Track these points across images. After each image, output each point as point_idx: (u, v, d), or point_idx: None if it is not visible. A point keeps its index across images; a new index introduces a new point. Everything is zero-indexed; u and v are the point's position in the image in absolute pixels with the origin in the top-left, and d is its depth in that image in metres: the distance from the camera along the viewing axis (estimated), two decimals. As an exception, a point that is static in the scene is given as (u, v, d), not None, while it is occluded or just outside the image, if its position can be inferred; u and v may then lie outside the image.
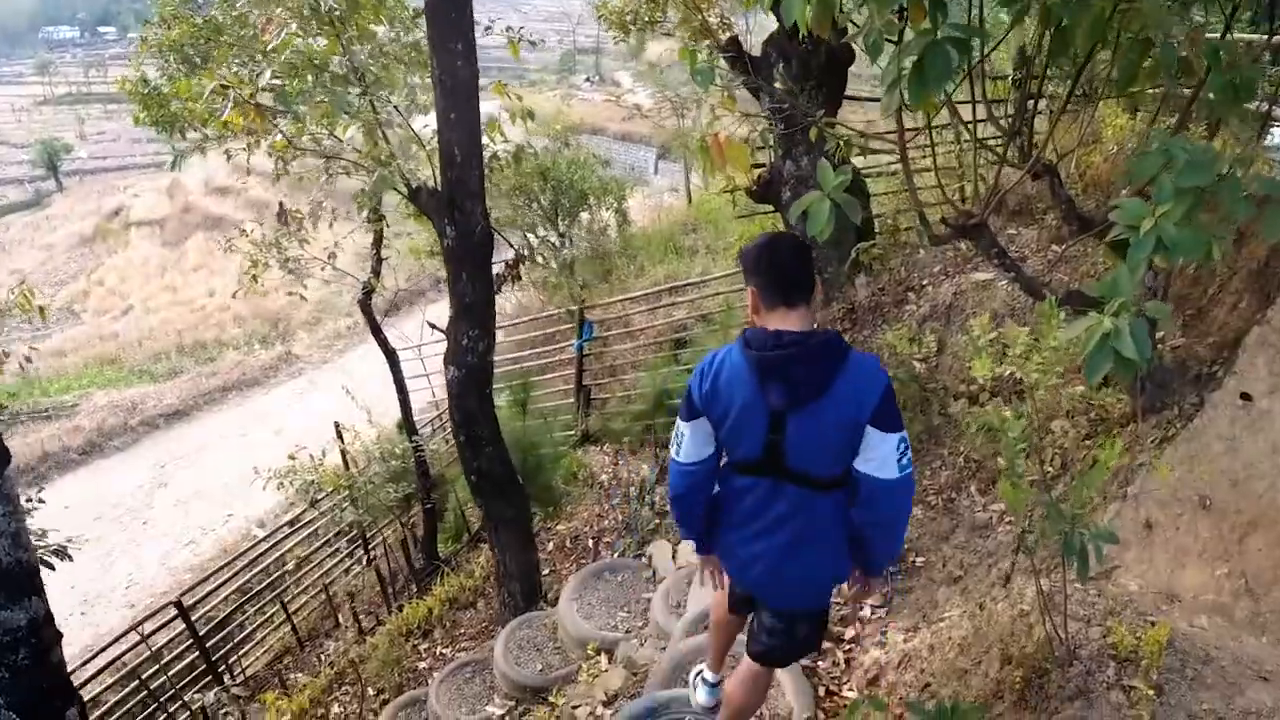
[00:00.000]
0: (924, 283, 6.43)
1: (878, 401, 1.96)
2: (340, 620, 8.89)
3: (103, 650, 7.22)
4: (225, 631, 9.02)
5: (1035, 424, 2.33)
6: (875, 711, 2.44)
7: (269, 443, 13.03)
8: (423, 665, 6.56)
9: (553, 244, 8.96)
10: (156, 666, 7.76)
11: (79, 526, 13.25)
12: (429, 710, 4.63)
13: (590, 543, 7.16)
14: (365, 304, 7.36)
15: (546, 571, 7.35)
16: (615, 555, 5.89)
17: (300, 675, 8.30)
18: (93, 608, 11.28)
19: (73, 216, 33.66)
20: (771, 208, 7.11)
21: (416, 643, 6.92)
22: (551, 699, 4.36)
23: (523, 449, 6.40)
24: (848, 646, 3.79)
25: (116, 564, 12.12)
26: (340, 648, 7.77)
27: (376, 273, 7.39)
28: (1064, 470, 4.05)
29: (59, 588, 11.94)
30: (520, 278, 5.43)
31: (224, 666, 8.31)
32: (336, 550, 9.50)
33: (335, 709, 6.35)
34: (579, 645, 4.44)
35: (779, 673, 3.28)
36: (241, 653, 8.90)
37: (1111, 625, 2.49)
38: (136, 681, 7.61)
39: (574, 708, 3.53)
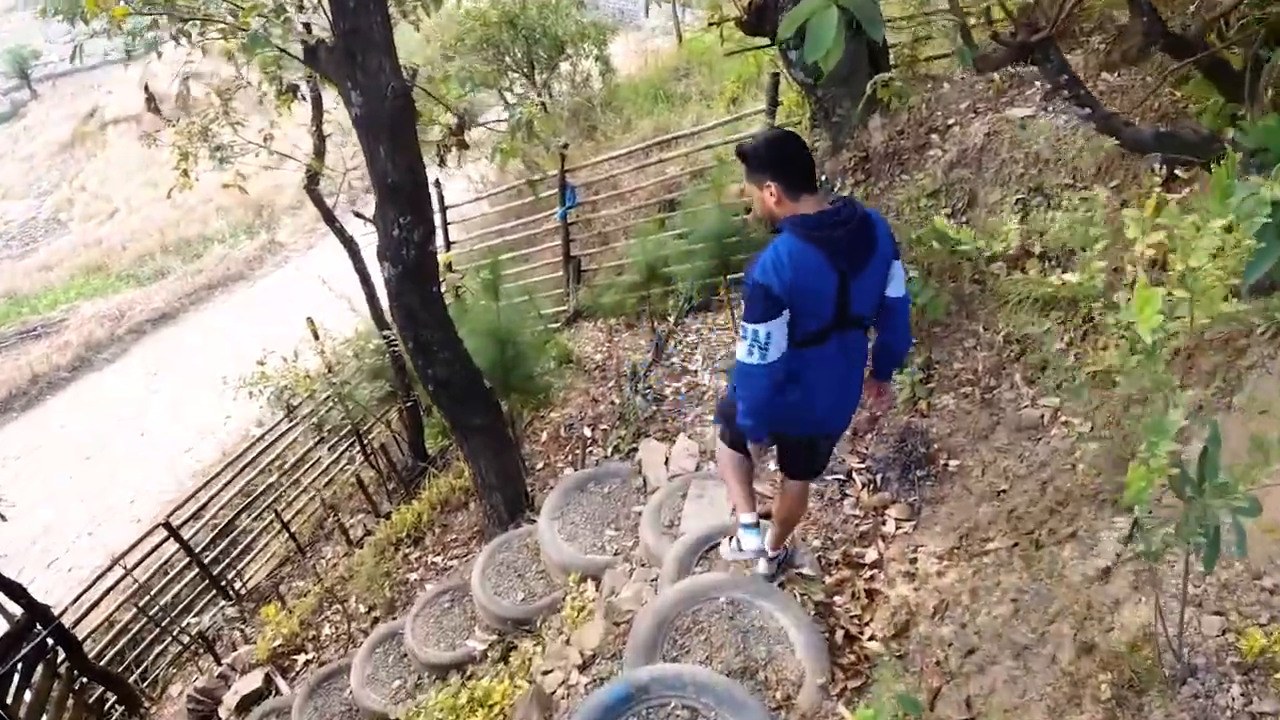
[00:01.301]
0: (949, 123, 5.44)
1: (893, 241, 2.36)
2: (341, 522, 8.61)
3: (89, 588, 6.96)
4: (229, 540, 8.77)
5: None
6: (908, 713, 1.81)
7: (258, 338, 12.50)
8: (414, 576, 6.17)
9: (530, 101, 7.90)
10: (149, 595, 7.53)
11: (76, 445, 13.15)
12: (406, 646, 4.18)
13: (587, 431, 6.62)
14: (312, 190, 6.48)
15: (540, 465, 6.84)
16: (607, 454, 5.29)
17: (301, 583, 8.10)
18: (100, 526, 11.10)
19: (49, 123, 32.08)
20: (766, 41, 6.03)
21: (407, 551, 6.51)
22: (535, 631, 3.90)
23: (499, 338, 5.70)
24: (869, 573, 3.18)
25: (119, 479, 11.87)
26: (332, 559, 7.43)
27: (319, 154, 6.46)
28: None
29: (64, 510, 11.85)
30: (467, 146, 4.53)
31: (226, 580, 8.09)
32: (327, 452, 9.07)
33: (326, 629, 6.05)
34: (562, 571, 3.90)
35: (787, 625, 2.70)
36: (243, 564, 8.68)
37: (1233, 618, 1.78)
38: (135, 610, 7.40)
39: (545, 673, 2.98)
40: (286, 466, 8.66)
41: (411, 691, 4.04)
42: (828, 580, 3.13)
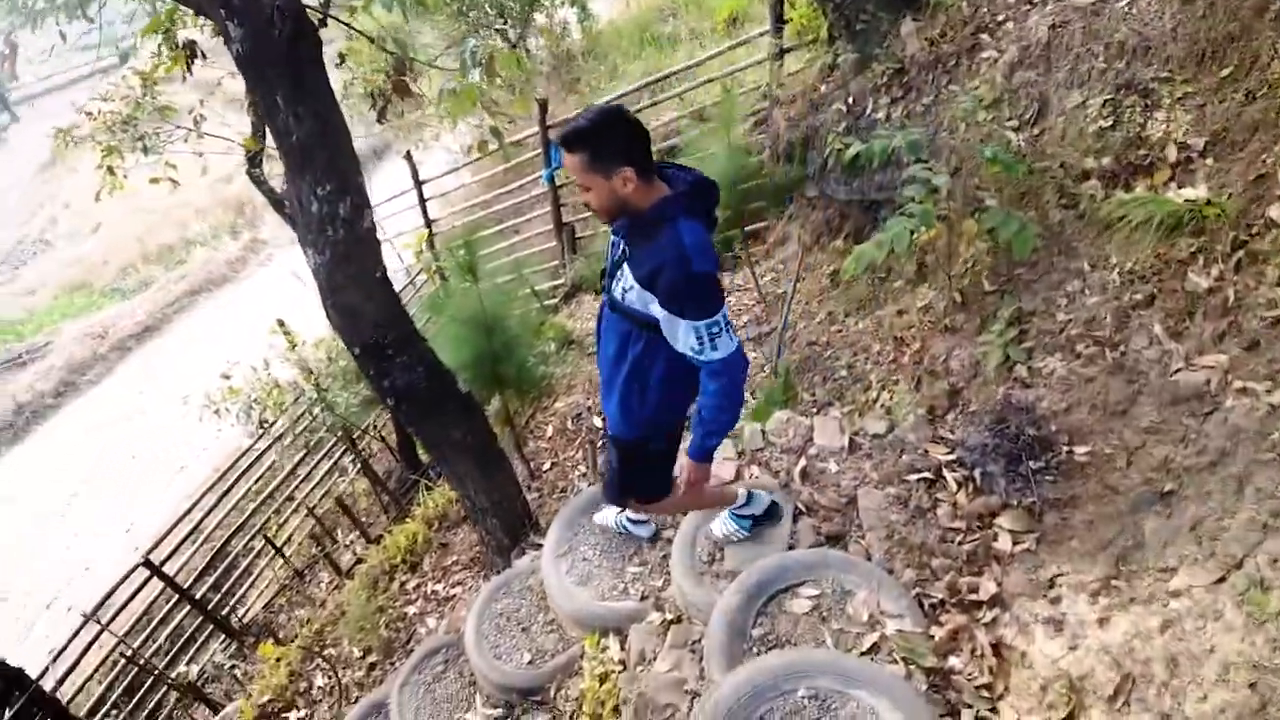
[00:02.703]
0: (1000, 19, 4.48)
1: None
2: (336, 538, 7.86)
3: (68, 643, 6.23)
4: (221, 570, 8.04)
5: None
6: None
7: (242, 344, 11.73)
8: (412, 610, 5.36)
9: (490, 40, 6.96)
10: (140, 640, 6.82)
11: (65, 477, 12.43)
12: (391, 726, 3.37)
13: (597, 420, 5.78)
14: (254, 174, 5.58)
15: (548, 465, 6.01)
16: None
17: (301, 613, 7.35)
18: (96, 560, 10.38)
19: (30, 144, 31.28)
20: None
21: (403, 579, 5.70)
22: (549, 702, 3.06)
23: (484, 324, 4.83)
24: (989, 615, 2.31)
25: (111, 509, 11.15)
26: (323, 594, 6.65)
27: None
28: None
29: (54, 555, 11.11)
30: (408, 92, 3.62)
31: (221, 615, 7.36)
32: (317, 466, 8.27)
33: (319, 680, 5.27)
34: (575, 625, 3.06)
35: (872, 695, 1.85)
36: (239, 595, 7.94)
37: None
38: (124, 660, 6.68)
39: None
40: (273, 486, 7.89)
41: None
42: (935, 633, 2.26)
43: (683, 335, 2.00)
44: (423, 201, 8.18)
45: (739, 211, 5.10)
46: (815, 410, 3.84)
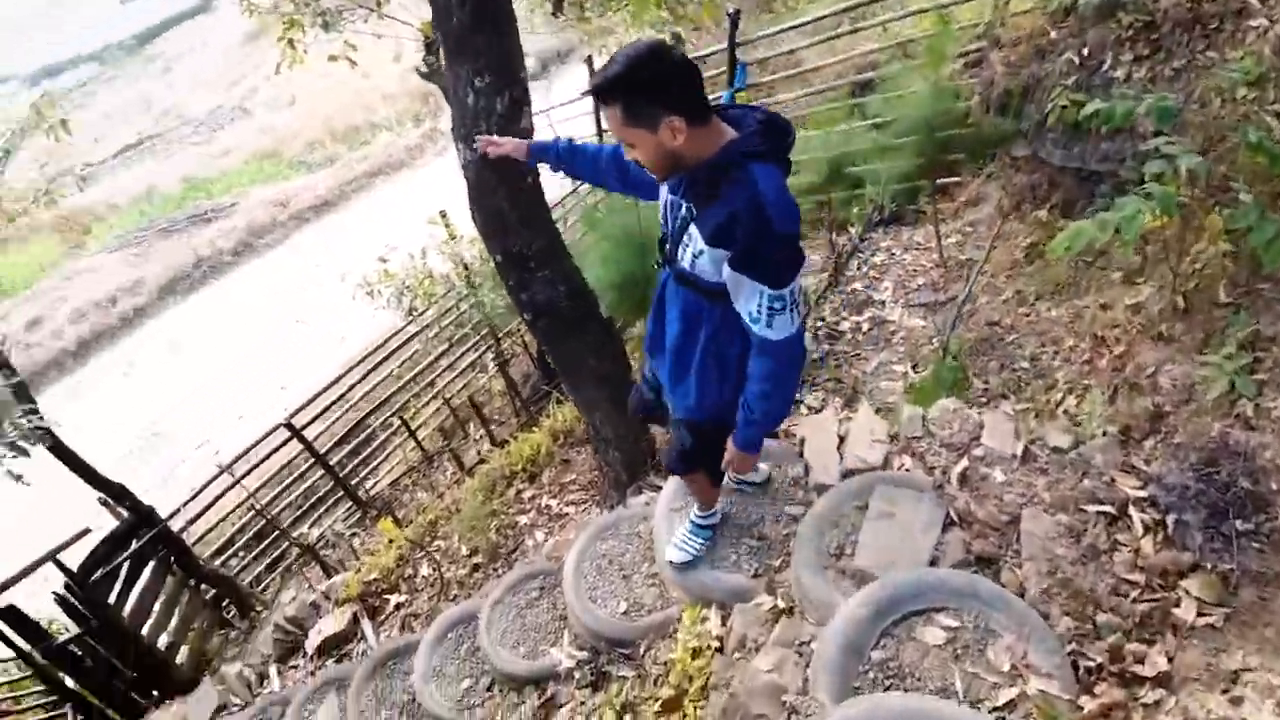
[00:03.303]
0: (1277, -18, 3.61)
1: None
2: (468, 431, 8.06)
3: (200, 491, 6.76)
4: (356, 443, 8.52)
5: None
6: None
7: (409, 229, 12.20)
8: (524, 520, 5.38)
9: None
10: (271, 497, 7.33)
11: (234, 330, 13.51)
12: (479, 641, 3.32)
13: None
14: (429, 62, 5.49)
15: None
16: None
17: (423, 496, 7.65)
18: (250, 410, 11.29)
19: (238, 14, 33.47)
20: None
21: (521, 487, 5.72)
22: (637, 659, 2.89)
23: (639, 244, 4.60)
24: (1153, 696, 1.89)
25: (271, 367, 12.03)
26: (443, 484, 6.82)
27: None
28: None
29: (212, 402, 12.16)
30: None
31: (350, 486, 7.79)
32: (461, 359, 8.47)
33: (424, 569, 5.42)
34: (679, 589, 2.84)
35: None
36: (368, 470, 8.38)
37: None
38: (253, 513, 7.23)
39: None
40: (415, 372, 8.16)
41: (482, 701, 3.20)
42: (1086, 704, 1.87)
43: (745, 295, 1.76)
44: (597, 110, 7.92)
45: (932, 160, 4.53)
46: (986, 402, 3.36)
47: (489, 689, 3.24)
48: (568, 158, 2.26)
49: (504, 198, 2.90)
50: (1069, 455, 2.62)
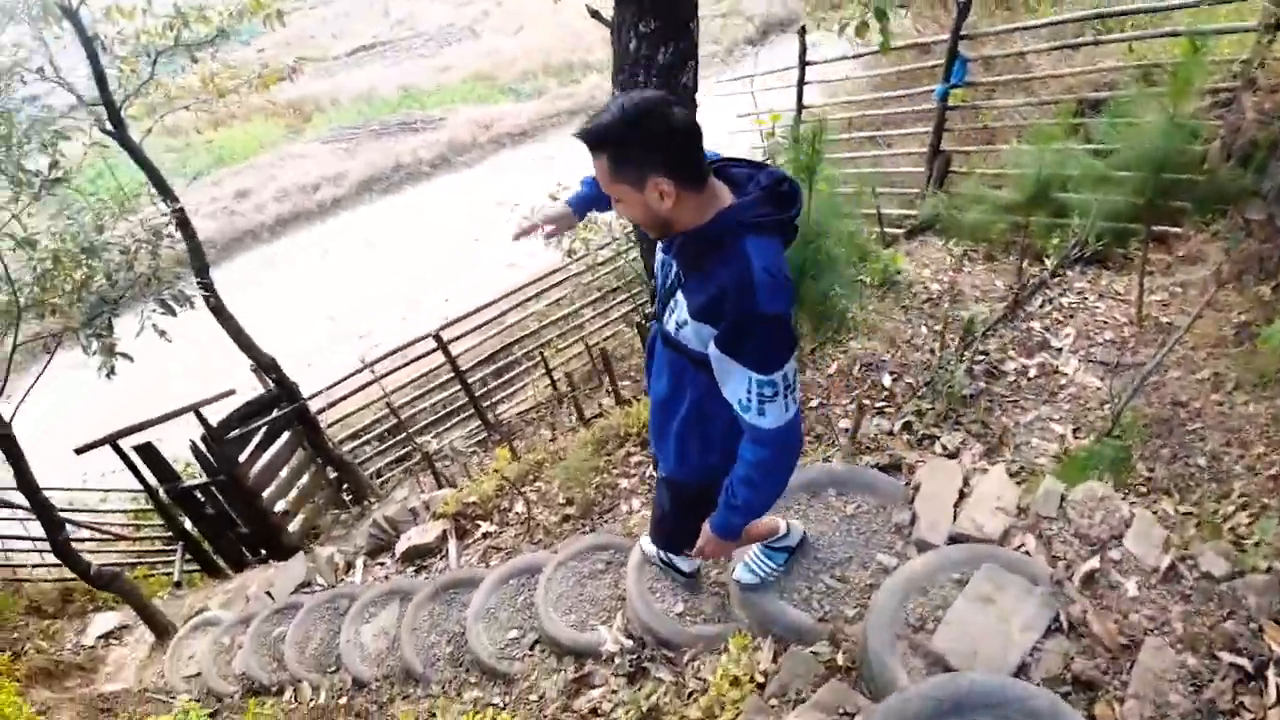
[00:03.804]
0: None
1: None
2: (602, 381, 8.10)
3: (337, 383, 7.19)
4: (495, 368, 8.80)
5: None
6: None
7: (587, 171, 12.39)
8: (625, 484, 5.29)
9: None
10: (399, 404, 7.69)
11: (415, 236, 14.26)
12: (536, 596, 3.27)
13: (886, 379, 5.07)
14: (598, 13, 5.32)
15: (815, 402, 5.47)
16: (890, 430, 3.75)
17: (545, 433, 7.77)
18: (412, 314, 11.92)
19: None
20: None
21: (632, 451, 5.64)
22: (679, 667, 2.72)
23: (805, 233, 4.31)
24: None
25: (443, 279, 12.61)
26: (563, 426, 6.85)
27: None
28: None
29: (382, 298, 12.92)
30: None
31: (481, 407, 8.07)
32: (609, 311, 8.50)
33: (519, 506, 5.47)
34: (740, 606, 2.63)
35: None
36: (504, 395, 8.63)
37: None
38: (386, 410, 7.62)
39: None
40: (565, 312, 8.27)
41: (521, 656, 3.15)
42: None
43: (734, 381, 1.62)
44: (801, 83, 7.54)
45: (1153, 203, 3.90)
46: (1144, 495, 2.85)
47: (532, 647, 3.18)
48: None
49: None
50: (1220, 586, 2.16)
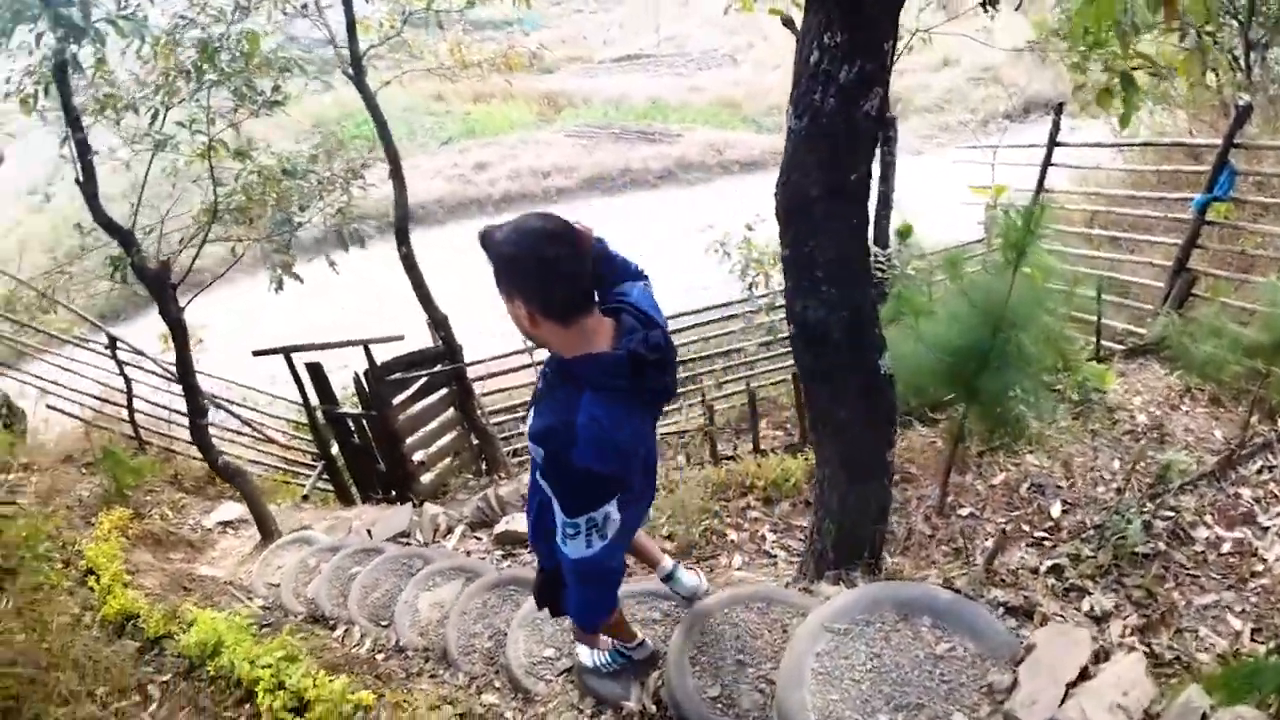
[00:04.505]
0: None
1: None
2: (752, 424, 7.80)
3: (498, 358, 7.36)
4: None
5: None
6: None
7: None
8: (732, 535, 4.96)
9: None
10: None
11: (617, 241, 14.52)
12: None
13: (1055, 509, 4.38)
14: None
15: (965, 511, 4.85)
16: (1031, 570, 3.18)
17: (680, 459, 7.55)
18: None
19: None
20: None
21: (751, 504, 5.28)
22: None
23: (997, 317, 3.86)
24: None
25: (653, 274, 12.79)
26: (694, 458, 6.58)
27: None
28: None
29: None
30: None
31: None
32: (777, 357, 8.16)
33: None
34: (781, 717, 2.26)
35: None
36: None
37: None
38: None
39: None
40: (730, 347, 8.04)
41: (548, 679, 2.93)
42: None
43: (555, 512, 1.76)
44: (1046, 164, 6.83)
45: None
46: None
47: (561, 674, 2.96)
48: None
49: (814, 184, 2.41)
50: None
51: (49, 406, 6.15)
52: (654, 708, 2.58)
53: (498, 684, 3.09)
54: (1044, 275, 3.50)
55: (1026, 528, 4.22)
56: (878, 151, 6.88)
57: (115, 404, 6.38)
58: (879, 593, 2.48)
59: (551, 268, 1.57)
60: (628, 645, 2.59)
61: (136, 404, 6.37)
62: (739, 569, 4.56)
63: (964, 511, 4.76)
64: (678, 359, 1.94)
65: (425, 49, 7.23)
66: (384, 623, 3.77)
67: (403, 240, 6.27)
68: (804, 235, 2.56)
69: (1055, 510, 4.32)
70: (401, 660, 3.47)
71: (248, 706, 2.68)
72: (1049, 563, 3.18)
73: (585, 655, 2.74)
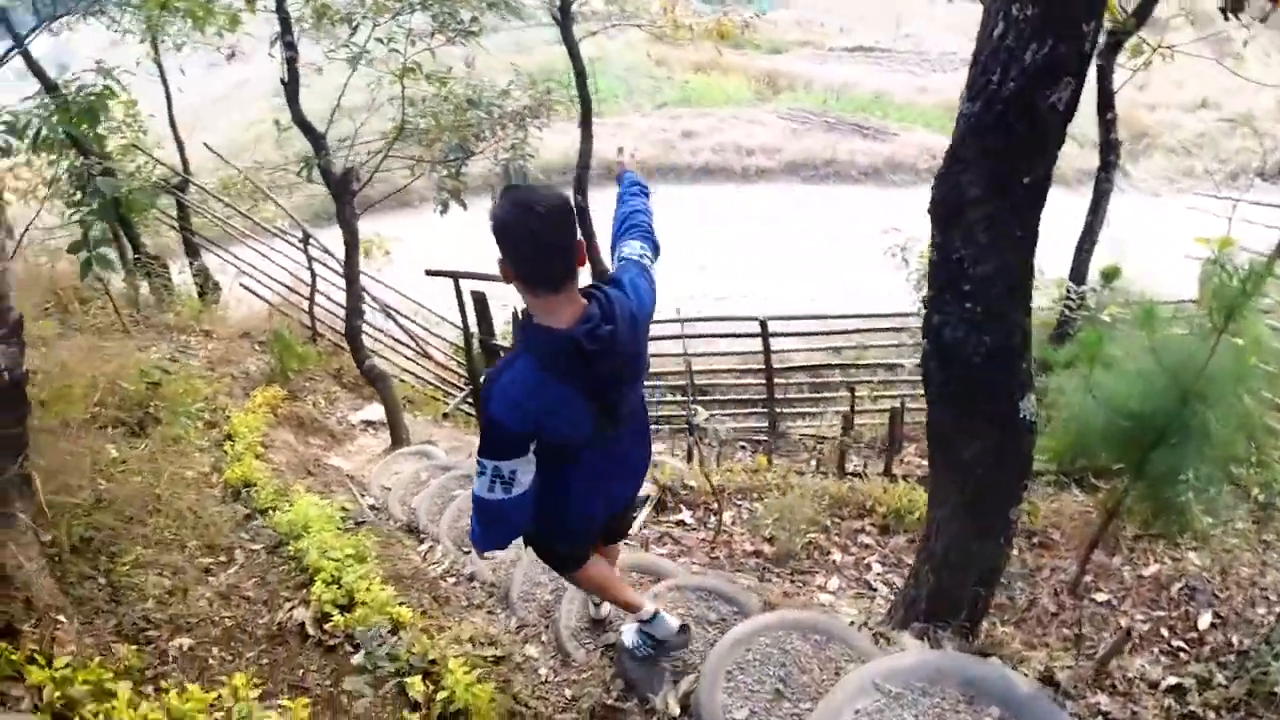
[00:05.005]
0: None
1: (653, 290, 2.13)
2: (894, 442, 7.32)
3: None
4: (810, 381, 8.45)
5: None
6: None
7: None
8: (835, 556, 4.66)
9: None
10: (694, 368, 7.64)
11: (804, 231, 13.98)
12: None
13: (1204, 620, 3.74)
14: None
15: (1102, 597, 4.26)
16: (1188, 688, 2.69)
17: (810, 464, 7.22)
18: (774, 297, 11.80)
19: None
20: None
21: (865, 526, 4.95)
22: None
23: (1187, 383, 3.36)
24: None
25: (802, 279, 12.34)
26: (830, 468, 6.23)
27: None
28: None
29: (763, 272, 12.91)
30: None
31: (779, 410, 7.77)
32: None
33: (727, 515, 5.04)
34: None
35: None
36: (800, 409, 8.21)
37: None
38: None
39: None
40: (886, 360, 7.55)
41: (593, 649, 2.84)
42: None
43: None
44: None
45: None
46: None
47: (605, 647, 2.86)
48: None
49: (975, 181, 2.08)
50: None
51: (242, 285, 6.79)
52: (678, 710, 2.42)
53: (544, 639, 3.04)
54: (1255, 348, 2.92)
55: (1165, 632, 3.61)
56: (1093, 177, 6.10)
57: (300, 294, 6.95)
58: (947, 663, 2.16)
59: (528, 240, 1.72)
60: (644, 621, 2.54)
61: (318, 299, 6.90)
62: (831, 593, 4.28)
63: (1100, 596, 4.18)
64: (649, 352, 2.06)
65: (642, 7, 7.21)
66: (465, 549, 3.83)
67: (579, 189, 6.32)
68: (955, 240, 2.24)
69: (1203, 621, 3.70)
70: (466, 588, 3.51)
71: (304, 592, 2.79)
72: (1173, 679, 2.68)
73: (628, 635, 2.66)
